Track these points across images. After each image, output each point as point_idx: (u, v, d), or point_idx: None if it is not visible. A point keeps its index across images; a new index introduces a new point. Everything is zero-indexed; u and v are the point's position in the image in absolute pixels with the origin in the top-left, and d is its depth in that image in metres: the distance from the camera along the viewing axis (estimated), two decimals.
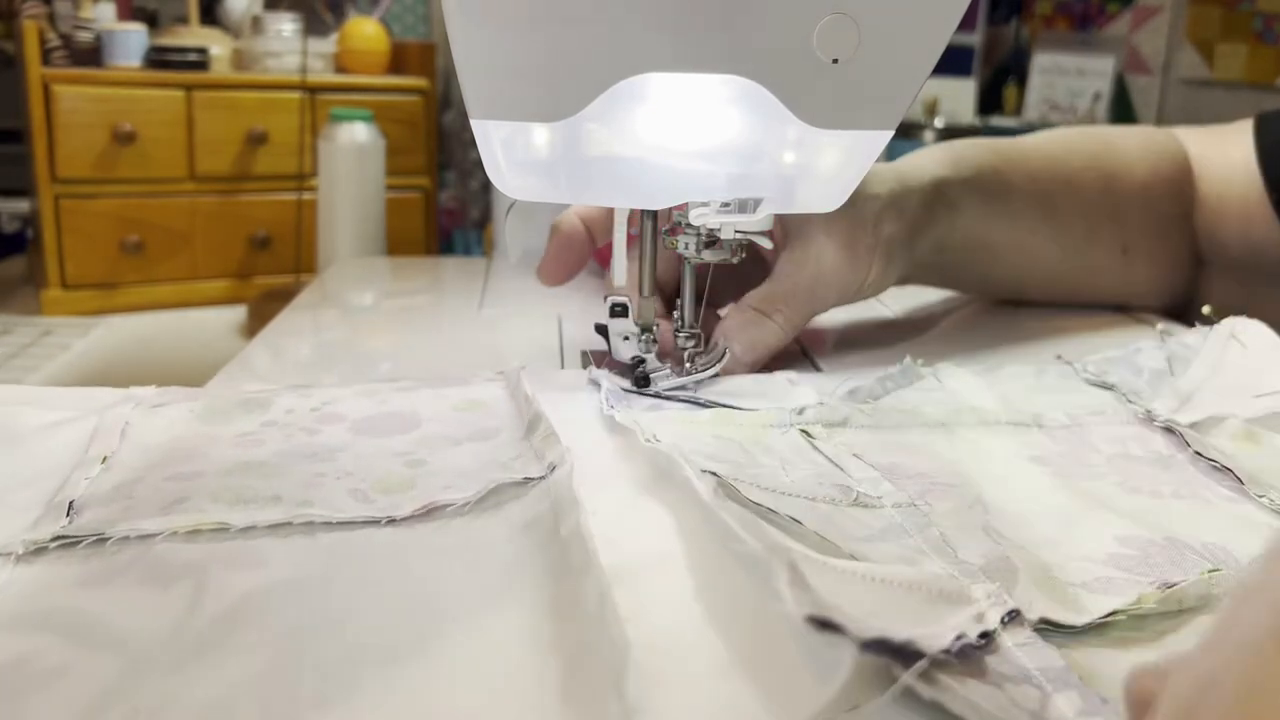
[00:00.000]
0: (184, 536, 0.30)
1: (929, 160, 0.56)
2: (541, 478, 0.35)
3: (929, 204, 0.53)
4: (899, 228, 0.52)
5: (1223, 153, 0.65)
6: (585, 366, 0.45)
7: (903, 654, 0.22)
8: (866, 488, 0.34)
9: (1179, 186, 0.65)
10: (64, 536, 0.30)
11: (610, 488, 0.34)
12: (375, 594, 0.28)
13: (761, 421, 0.40)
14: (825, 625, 0.22)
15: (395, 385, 0.43)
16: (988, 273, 0.61)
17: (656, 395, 0.44)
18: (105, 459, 0.35)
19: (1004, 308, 0.61)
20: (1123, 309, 0.64)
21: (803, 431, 0.40)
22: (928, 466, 0.37)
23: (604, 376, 0.43)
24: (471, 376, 0.45)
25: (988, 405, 0.42)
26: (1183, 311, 0.65)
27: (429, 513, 0.32)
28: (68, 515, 0.31)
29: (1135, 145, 0.65)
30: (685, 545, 0.30)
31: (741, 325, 0.47)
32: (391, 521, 0.32)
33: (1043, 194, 0.59)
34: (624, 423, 0.38)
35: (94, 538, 0.30)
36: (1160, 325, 0.50)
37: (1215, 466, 0.37)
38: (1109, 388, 0.45)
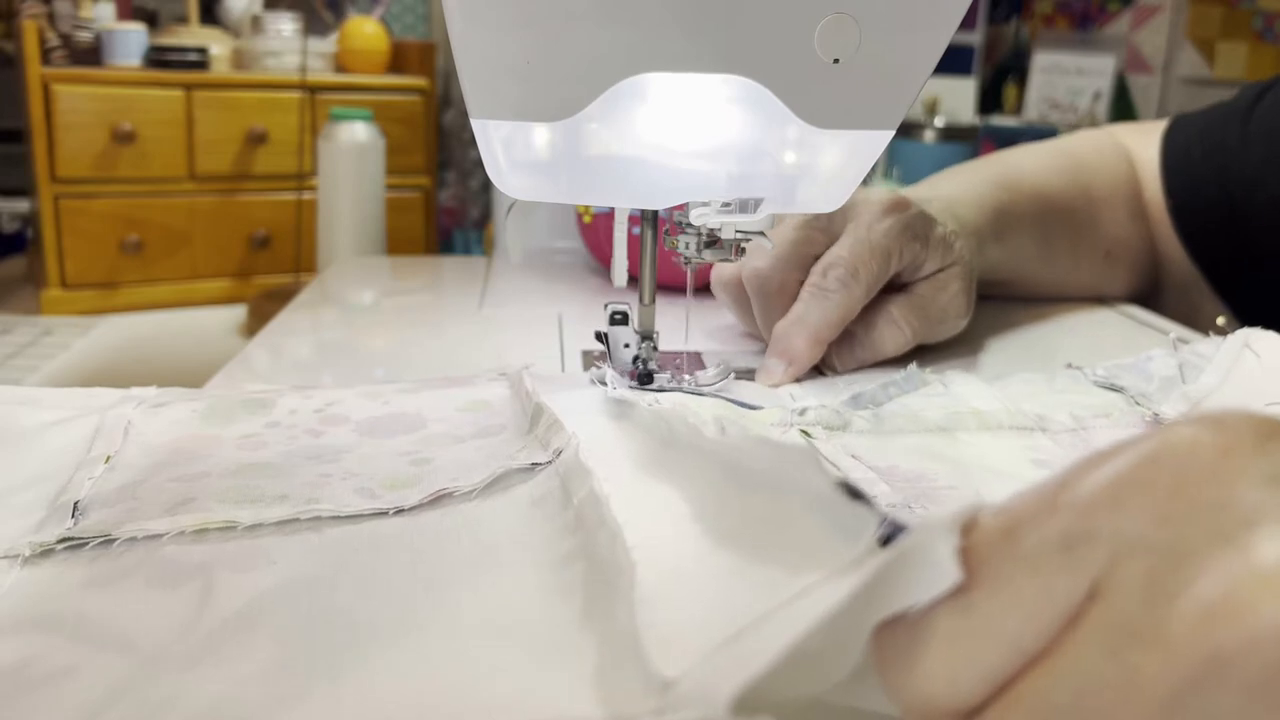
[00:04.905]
0: (191, 537, 0.30)
1: (960, 195, 0.57)
2: (549, 462, 0.35)
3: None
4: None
5: (1148, 156, 0.67)
6: (587, 367, 0.45)
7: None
8: (863, 488, 0.34)
9: (1135, 188, 0.67)
10: (70, 538, 0.30)
11: (616, 467, 0.34)
12: (385, 580, 0.28)
13: (762, 420, 0.40)
14: (855, 494, 0.22)
15: (398, 387, 0.43)
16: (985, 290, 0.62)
17: (661, 389, 0.44)
18: (109, 459, 0.35)
19: (1012, 313, 0.61)
20: (1102, 301, 0.66)
21: (803, 432, 0.40)
22: (927, 470, 0.37)
23: (608, 370, 0.44)
24: (475, 377, 0.45)
25: (990, 408, 0.42)
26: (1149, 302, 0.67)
27: (436, 501, 0.33)
28: (73, 517, 0.31)
29: (1094, 152, 0.67)
30: (696, 510, 0.30)
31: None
32: (400, 512, 0.32)
33: (1041, 226, 0.61)
34: (625, 397, 0.38)
35: (100, 539, 0.30)
36: (1174, 334, 0.50)
37: None
38: (1118, 390, 0.45)
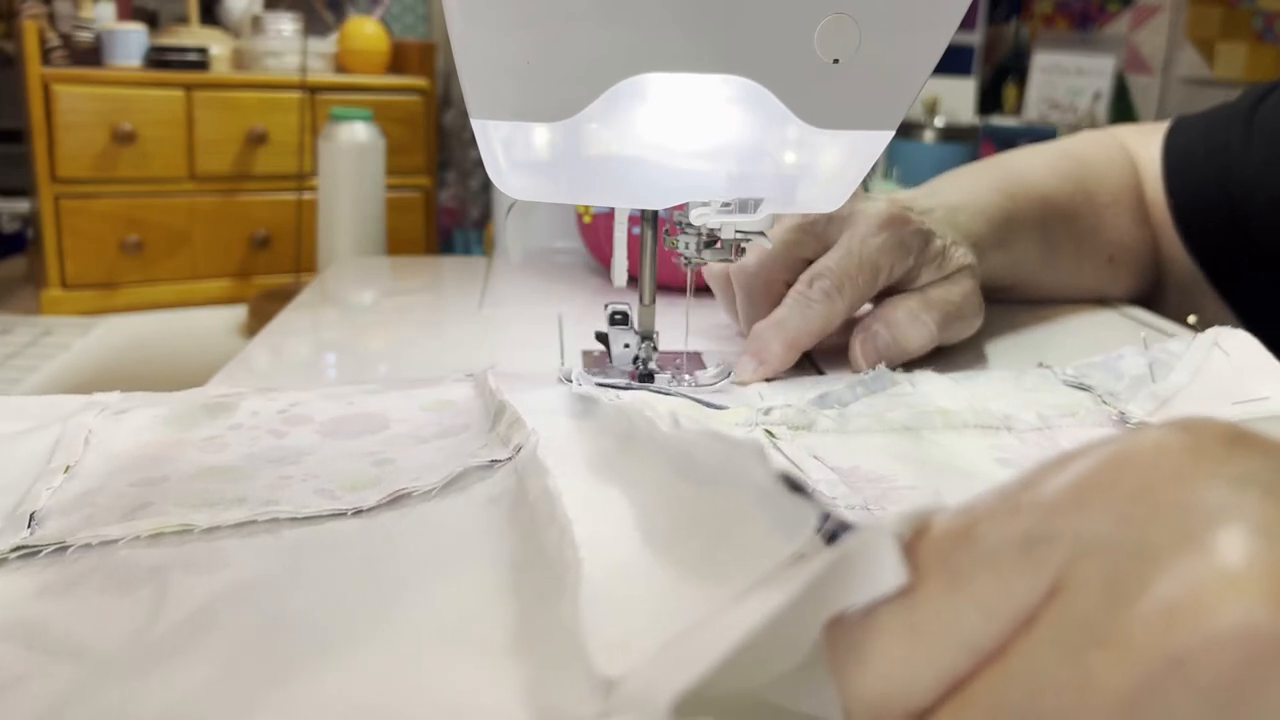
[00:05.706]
0: (146, 541, 0.30)
1: (962, 202, 0.56)
2: (508, 459, 0.35)
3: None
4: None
5: (1150, 157, 0.67)
6: (587, 367, 0.46)
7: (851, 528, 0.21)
8: (823, 489, 0.34)
9: (1138, 191, 0.67)
10: (23, 547, 0.30)
11: (575, 462, 0.34)
12: (341, 582, 0.28)
13: (728, 419, 0.41)
14: (795, 487, 0.22)
15: (363, 388, 0.43)
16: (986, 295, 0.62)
17: (629, 387, 0.44)
18: (68, 468, 0.35)
19: (1015, 315, 0.61)
20: (1103, 302, 0.66)
21: (767, 432, 0.40)
22: (889, 470, 0.37)
23: (576, 370, 0.44)
24: (441, 378, 0.45)
25: (956, 408, 0.42)
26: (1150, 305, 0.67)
27: (395, 501, 0.33)
28: (29, 527, 0.31)
29: (1098, 155, 0.67)
30: (647, 508, 0.30)
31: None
32: (358, 513, 0.32)
33: (1044, 232, 0.61)
34: (589, 393, 0.38)
35: (54, 547, 0.30)
36: (1144, 332, 0.50)
37: None
38: (1086, 389, 0.45)
